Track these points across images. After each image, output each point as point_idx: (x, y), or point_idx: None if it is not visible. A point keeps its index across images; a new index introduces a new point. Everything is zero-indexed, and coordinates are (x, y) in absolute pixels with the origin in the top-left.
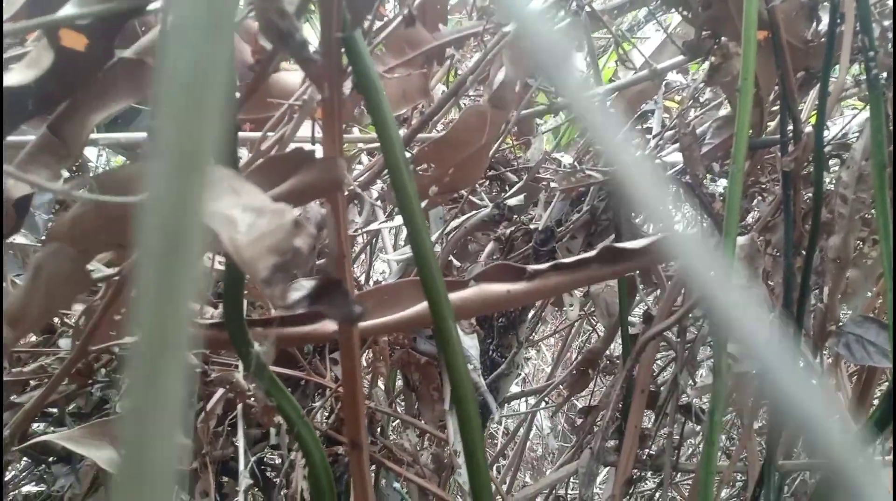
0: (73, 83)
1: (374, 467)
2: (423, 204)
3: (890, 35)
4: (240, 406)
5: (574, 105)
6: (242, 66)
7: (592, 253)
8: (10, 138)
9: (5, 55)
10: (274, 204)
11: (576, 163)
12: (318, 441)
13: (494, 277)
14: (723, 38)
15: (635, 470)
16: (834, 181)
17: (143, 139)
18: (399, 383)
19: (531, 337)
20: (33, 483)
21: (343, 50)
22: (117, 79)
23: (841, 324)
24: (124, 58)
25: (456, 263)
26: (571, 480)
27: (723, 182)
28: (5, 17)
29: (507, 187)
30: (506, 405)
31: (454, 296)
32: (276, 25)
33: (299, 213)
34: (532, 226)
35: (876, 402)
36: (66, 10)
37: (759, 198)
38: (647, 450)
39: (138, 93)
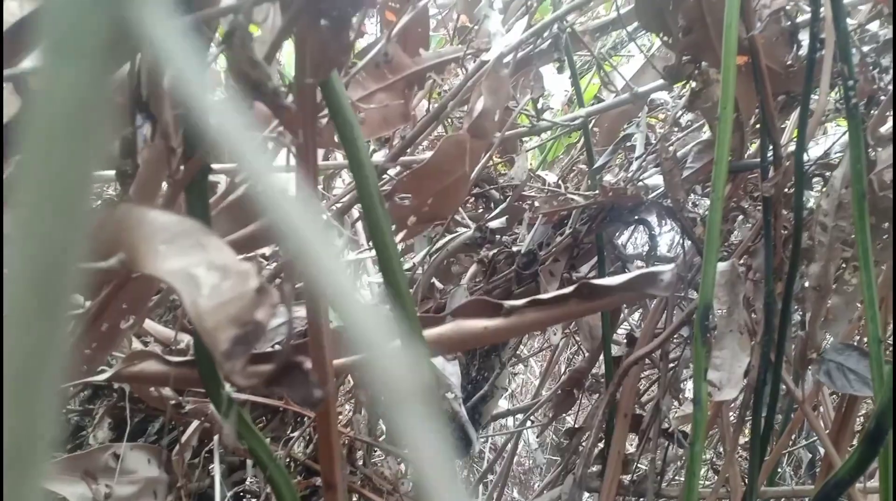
0: None
1: (355, 498)
2: (402, 234)
3: (868, 61)
4: (216, 437)
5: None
6: None
7: (570, 289)
8: None
9: None
10: (239, 264)
11: (559, 182)
12: (291, 483)
13: (472, 312)
14: (703, 64)
15: (618, 497)
16: (815, 205)
17: None
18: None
19: (519, 353)
20: None
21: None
22: None
23: (822, 351)
24: None
25: (439, 285)
26: None
27: (705, 201)
28: None
29: (491, 205)
30: (491, 424)
31: (431, 332)
32: (247, 75)
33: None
34: (515, 248)
35: (857, 426)
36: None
37: (741, 218)
38: (630, 476)
39: None
